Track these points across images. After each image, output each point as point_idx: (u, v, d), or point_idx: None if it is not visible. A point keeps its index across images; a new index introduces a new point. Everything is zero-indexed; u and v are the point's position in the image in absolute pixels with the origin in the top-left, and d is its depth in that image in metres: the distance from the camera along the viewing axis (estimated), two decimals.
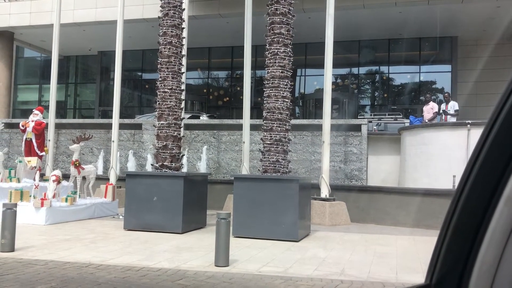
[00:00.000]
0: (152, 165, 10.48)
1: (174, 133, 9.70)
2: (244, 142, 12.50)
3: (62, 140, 17.98)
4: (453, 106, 15.71)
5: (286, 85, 9.28)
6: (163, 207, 9.04)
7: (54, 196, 10.27)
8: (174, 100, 9.72)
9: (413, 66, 24.13)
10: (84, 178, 11.77)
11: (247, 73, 12.76)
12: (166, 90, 9.67)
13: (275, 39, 9.28)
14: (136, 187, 9.39)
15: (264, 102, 9.38)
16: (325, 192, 11.19)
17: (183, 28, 10.22)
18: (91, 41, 25.29)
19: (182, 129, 10.60)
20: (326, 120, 11.45)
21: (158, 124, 9.75)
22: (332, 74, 13.38)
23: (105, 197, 11.85)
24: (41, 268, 5.90)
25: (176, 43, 9.82)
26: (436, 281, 0.99)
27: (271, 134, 9.22)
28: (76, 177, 11.52)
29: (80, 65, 30.40)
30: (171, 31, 9.78)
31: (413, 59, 23.75)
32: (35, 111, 12.51)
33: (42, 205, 9.73)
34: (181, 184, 9.01)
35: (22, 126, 12.25)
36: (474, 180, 0.93)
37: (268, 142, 9.24)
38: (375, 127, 18.44)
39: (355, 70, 25.43)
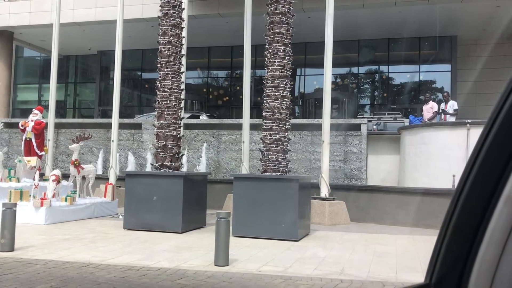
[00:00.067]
0: (151, 164, 10.49)
1: (173, 132, 9.69)
2: (243, 142, 12.50)
3: (61, 139, 17.97)
4: (452, 105, 15.72)
5: (285, 84, 9.29)
6: (163, 206, 9.04)
7: (53, 196, 10.27)
8: (173, 99, 9.72)
9: (412, 65, 24.14)
10: (83, 177, 11.77)
11: (247, 73, 12.76)
12: (165, 89, 9.67)
13: (275, 39, 9.28)
14: (136, 186, 9.39)
15: (264, 101, 9.38)
16: (324, 191, 11.19)
17: (183, 27, 10.22)
18: (91, 41, 25.27)
19: (181, 128, 10.60)
20: (326, 120, 11.46)
21: (158, 123, 9.74)
22: (332, 74, 13.39)
23: (104, 196, 11.85)
24: (41, 267, 5.90)
25: (175, 42, 9.82)
26: (435, 280, 0.99)
27: (270, 133, 9.22)
28: (75, 177, 11.52)
29: (80, 64, 30.38)
30: (171, 31, 9.78)
31: (412, 58, 23.75)
32: (35, 111, 12.50)
33: (41, 204, 9.73)
34: (180, 183, 9.01)
35: (22, 125, 12.24)
36: (474, 180, 0.93)
37: (268, 142, 9.25)
38: (374, 127, 18.45)
39: (354, 70, 25.43)
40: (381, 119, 19.82)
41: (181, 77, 10.11)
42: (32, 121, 12.15)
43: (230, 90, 27.49)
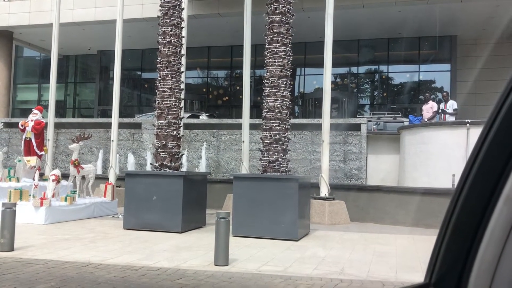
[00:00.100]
0: (151, 164, 10.48)
1: (173, 132, 9.69)
2: (243, 142, 12.50)
3: (61, 139, 17.97)
4: (451, 105, 15.73)
5: (285, 84, 9.28)
6: (163, 206, 9.04)
7: (53, 196, 10.27)
8: (173, 99, 9.72)
9: (412, 65, 24.14)
10: (83, 177, 11.76)
11: (247, 72, 12.76)
12: (165, 89, 9.67)
13: (275, 38, 9.28)
14: (136, 186, 9.39)
15: (264, 101, 9.38)
16: (324, 191, 11.19)
17: (183, 27, 10.22)
18: (91, 41, 25.27)
19: (181, 128, 10.59)
20: (326, 119, 11.46)
21: (158, 123, 9.74)
22: (332, 73, 13.39)
23: (104, 196, 11.85)
24: (41, 267, 5.90)
25: (175, 42, 9.82)
26: (435, 280, 0.99)
27: (270, 133, 9.22)
28: (75, 177, 11.52)
29: (80, 64, 30.38)
30: (171, 30, 9.78)
31: (412, 58, 23.76)
32: (35, 111, 12.50)
33: (41, 204, 9.73)
34: (180, 183, 9.00)
35: (22, 125, 12.24)
36: (474, 179, 0.93)
37: (268, 142, 9.24)
38: (374, 126, 18.45)
39: (354, 70, 25.43)
40: (381, 118, 19.82)
41: (180, 77, 10.11)
42: (32, 121, 12.15)
43: (230, 90, 27.49)
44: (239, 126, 13.45)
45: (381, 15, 19.92)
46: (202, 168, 15.53)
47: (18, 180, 11.76)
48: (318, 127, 12.64)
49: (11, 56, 25.43)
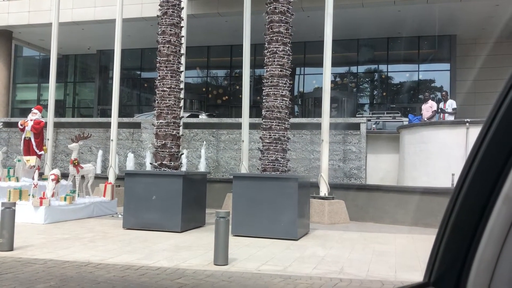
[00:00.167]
0: (151, 163, 10.48)
1: (173, 132, 9.69)
2: (243, 141, 12.49)
3: (61, 139, 17.96)
4: (451, 104, 15.73)
5: (285, 83, 9.29)
6: (162, 206, 9.04)
7: (53, 195, 10.27)
8: (173, 99, 9.71)
9: (412, 64, 24.14)
10: (83, 177, 11.76)
11: (246, 72, 12.75)
12: (165, 89, 9.67)
13: (274, 38, 9.28)
14: (135, 186, 9.38)
15: (263, 100, 9.38)
16: (324, 190, 11.20)
17: (182, 26, 10.22)
18: (90, 40, 25.25)
19: (181, 127, 10.59)
20: (325, 119, 11.46)
21: (157, 123, 9.74)
22: (331, 73, 13.37)
23: (104, 196, 11.84)
24: (40, 267, 5.90)
25: (175, 41, 9.81)
26: (434, 279, 0.99)
27: (270, 132, 9.22)
28: (75, 176, 11.51)
29: (79, 64, 30.36)
30: (170, 30, 9.77)
31: (412, 57, 23.76)
32: (34, 110, 12.49)
33: (41, 204, 9.73)
34: (180, 183, 9.00)
35: (21, 125, 12.23)
36: (473, 179, 0.93)
37: (267, 141, 9.24)
38: (374, 126, 18.45)
39: (354, 69, 25.43)
40: (380, 118, 19.82)
41: (180, 76, 10.11)
42: (31, 120, 12.14)
43: (229, 89, 27.48)
44: (238, 126, 13.45)
45: (381, 14, 19.91)
46: (201, 167, 15.53)
47: (17, 179, 11.75)
48: (318, 126, 12.64)
49: (11, 56, 25.41)
